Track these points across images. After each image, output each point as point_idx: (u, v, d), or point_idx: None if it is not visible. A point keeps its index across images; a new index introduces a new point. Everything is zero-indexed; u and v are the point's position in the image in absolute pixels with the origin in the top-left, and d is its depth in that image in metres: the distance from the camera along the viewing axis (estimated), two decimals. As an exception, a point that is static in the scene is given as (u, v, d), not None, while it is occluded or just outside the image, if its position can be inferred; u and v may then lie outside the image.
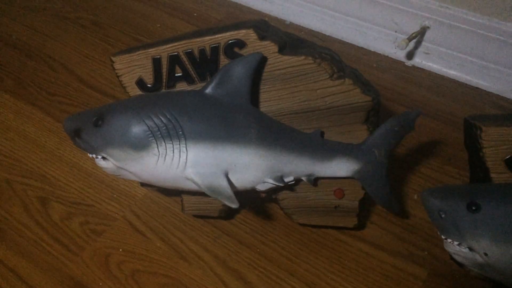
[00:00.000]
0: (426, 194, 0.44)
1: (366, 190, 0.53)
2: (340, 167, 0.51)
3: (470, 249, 0.42)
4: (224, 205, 0.57)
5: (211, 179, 0.46)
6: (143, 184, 0.62)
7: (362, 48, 0.88)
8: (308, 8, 0.91)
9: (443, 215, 0.43)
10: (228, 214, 0.59)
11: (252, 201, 0.60)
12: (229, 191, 0.46)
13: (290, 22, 0.93)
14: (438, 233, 0.45)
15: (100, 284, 0.54)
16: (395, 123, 0.50)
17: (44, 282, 0.55)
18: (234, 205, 0.45)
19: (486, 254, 0.41)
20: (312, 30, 0.91)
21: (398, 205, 0.55)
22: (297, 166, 0.50)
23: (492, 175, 0.46)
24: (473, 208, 0.41)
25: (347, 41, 0.89)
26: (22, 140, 0.70)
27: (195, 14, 0.95)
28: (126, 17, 0.94)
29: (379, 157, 0.50)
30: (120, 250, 0.58)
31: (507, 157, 0.46)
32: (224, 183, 0.46)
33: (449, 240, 0.44)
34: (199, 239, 0.59)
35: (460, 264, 0.47)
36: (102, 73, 0.82)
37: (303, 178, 0.52)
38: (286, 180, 0.51)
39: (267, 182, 0.50)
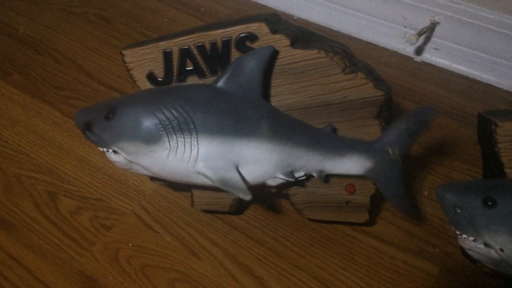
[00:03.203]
0: (442, 190, 0.43)
1: (380, 190, 0.52)
2: (352, 165, 0.50)
3: (486, 244, 0.42)
4: (235, 199, 0.56)
5: (223, 172, 0.46)
6: (153, 179, 0.62)
7: (370, 43, 0.87)
8: (316, 3, 0.91)
9: (458, 211, 0.42)
10: (238, 209, 0.59)
11: (262, 196, 0.60)
12: (241, 183, 0.45)
13: (298, 17, 0.92)
14: (453, 229, 0.45)
15: (110, 278, 0.54)
16: (410, 121, 0.48)
17: (54, 276, 0.55)
18: (247, 197, 0.44)
19: (502, 250, 0.41)
20: (320, 25, 0.91)
21: (414, 207, 0.52)
22: (308, 161, 0.50)
23: (507, 170, 0.46)
24: (489, 203, 0.41)
25: (356, 36, 0.88)
26: (31, 135, 0.70)
27: (202, 9, 0.95)
28: (133, 11, 0.94)
29: (393, 156, 0.49)
30: (130, 244, 0.57)
31: (522, 152, 0.45)
32: (236, 175, 0.46)
33: (464, 236, 0.43)
34: (209, 234, 0.59)
35: (473, 261, 0.47)
36: (110, 67, 0.81)
37: (314, 174, 0.51)
38: (296, 175, 0.50)
39: (277, 178, 0.50)
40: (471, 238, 0.42)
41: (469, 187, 0.43)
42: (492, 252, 0.42)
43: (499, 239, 0.41)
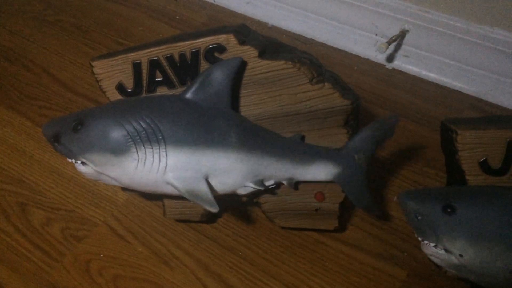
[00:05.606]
0: (403, 197, 0.45)
1: (346, 194, 0.53)
2: (320, 171, 0.52)
3: (446, 250, 0.43)
4: (205, 209, 0.57)
5: (191, 184, 0.47)
6: (124, 189, 0.62)
7: (343, 50, 0.89)
8: (290, 12, 0.92)
9: (419, 217, 0.43)
10: (210, 218, 0.59)
11: (234, 205, 0.60)
12: (209, 195, 0.46)
13: (273, 25, 0.93)
14: (415, 235, 0.46)
15: (81, 290, 0.54)
16: (374, 129, 0.51)
17: (24, 289, 0.54)
18: (214, 210, 0.45)
19: (461, 255, 0.42)
20: (295, 33, 0.92)
21: (379, 209, 0.55)
22: (277, 170, 0.51)
23: (468, 177, 0.47)
24: (449, 210, 0.42)
25: (329, 44, 0.90)
26: (1, 145, 0.69)
27: (177, 17, 0.95)
28: (108, 20, 0.93)
29: (358, 161, 0.51)
30: (101, 255, 0.57)
31: (482, 159, 0.47)
32: (204, 187, 0.47)
33: (426, 242, 0.44)
34: (181, 244, 0.59)
35: (437, 265, 0.48)
36: (84, 77, 0.81)
37: (284, 182, 0.52)
38: (266, 184, 0.51)
39: (247, 186, 0.50)
40: (432, 244, 0.44)
41: (430, 194, 0.44)
42: (452, 257, 0.43)
43: (458, 245, 0.42)
